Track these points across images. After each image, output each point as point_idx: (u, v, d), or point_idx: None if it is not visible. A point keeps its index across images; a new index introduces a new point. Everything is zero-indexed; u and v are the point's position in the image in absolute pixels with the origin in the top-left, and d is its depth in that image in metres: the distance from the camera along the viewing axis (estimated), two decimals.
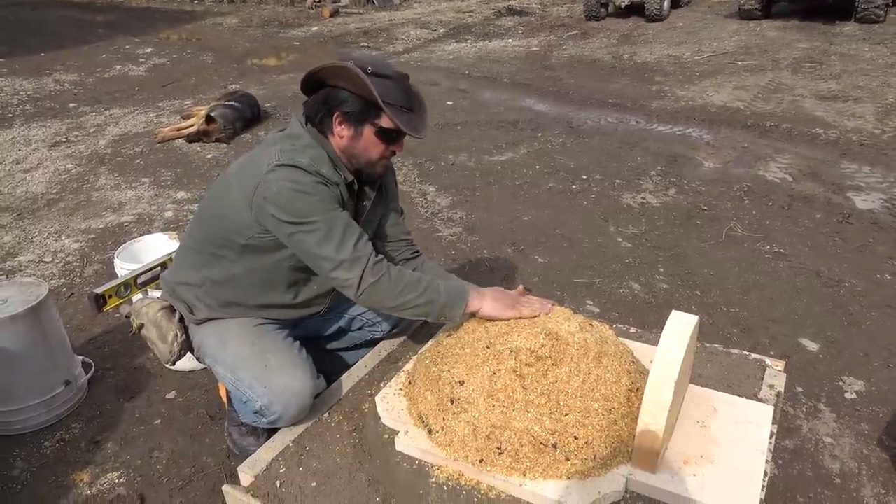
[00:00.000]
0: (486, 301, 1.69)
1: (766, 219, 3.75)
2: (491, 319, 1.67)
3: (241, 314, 1.87)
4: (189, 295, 1.89)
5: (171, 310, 1.94)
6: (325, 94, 1.72)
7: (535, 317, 1.66)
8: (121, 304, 2.23)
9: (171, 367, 2.39)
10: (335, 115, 1.71)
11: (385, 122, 1.67)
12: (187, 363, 2.24)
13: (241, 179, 1.72)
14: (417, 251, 2.10)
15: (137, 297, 2.35)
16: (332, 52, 8.47)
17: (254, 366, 1.75)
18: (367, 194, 1.88)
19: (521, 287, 1.84)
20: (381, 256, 1.70)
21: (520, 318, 1.66)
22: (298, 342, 1.89)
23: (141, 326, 1.94)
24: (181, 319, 1.93)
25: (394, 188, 2.05)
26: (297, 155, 1.66)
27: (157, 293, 2.14)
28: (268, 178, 1.64)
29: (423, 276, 1.72)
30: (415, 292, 1.67)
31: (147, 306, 1.94)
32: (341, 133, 1.72)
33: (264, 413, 1.71)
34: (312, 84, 1.74)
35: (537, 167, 4.60)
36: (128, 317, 1.99)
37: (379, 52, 8.13)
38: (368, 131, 1.71)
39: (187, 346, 1.95)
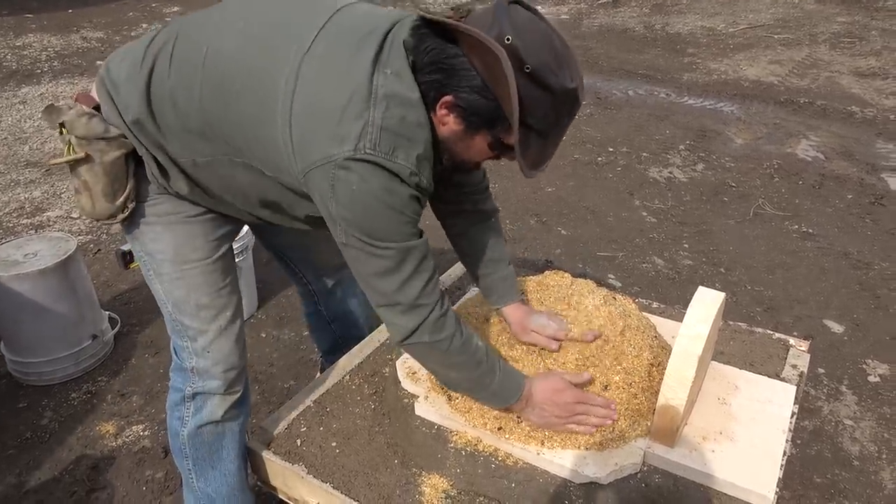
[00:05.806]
0: (533, 412, 1.43)
1: (795, 197, 3.68)
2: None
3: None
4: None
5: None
6: (448, 61, 1.12)
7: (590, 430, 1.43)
8: None
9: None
10: (445, 98, 1.15)
11: (511, 139, 1.17)
12: None
13: (306, 129, 1.14)
14: (487, 195, 1.65)
15: None
16: None
17: None
18: None
19: (586, 374, 1.47)
20: (446, 307, 1.32)
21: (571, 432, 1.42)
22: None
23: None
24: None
25: None
26: (401, 146, 1.13)
27: None
28: (347, 170, 1.11)
29: (483, 357, 1.37)
30: (464, 373, 1.38)
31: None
32: (445, 121, 1.19)
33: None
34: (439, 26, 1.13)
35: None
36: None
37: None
38: (482, 139, 1.22)
39: None
